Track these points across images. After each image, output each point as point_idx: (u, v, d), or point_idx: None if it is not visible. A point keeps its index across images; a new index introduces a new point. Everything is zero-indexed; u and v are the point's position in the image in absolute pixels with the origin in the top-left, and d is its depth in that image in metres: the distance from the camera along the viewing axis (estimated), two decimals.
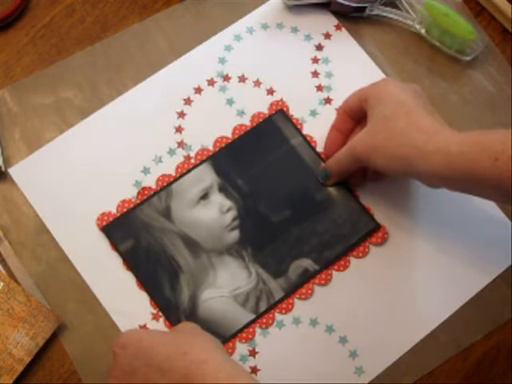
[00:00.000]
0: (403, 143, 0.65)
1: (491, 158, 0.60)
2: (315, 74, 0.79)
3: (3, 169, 0.73)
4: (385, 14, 0.80)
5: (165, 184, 0.73)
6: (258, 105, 0.77)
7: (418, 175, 0.66)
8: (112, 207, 0.72)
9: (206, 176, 0.74)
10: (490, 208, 0.74)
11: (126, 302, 0.70)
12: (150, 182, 0.73)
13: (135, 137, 0.75)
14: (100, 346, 0.69)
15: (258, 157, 0.75)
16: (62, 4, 0.80)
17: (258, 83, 0.78)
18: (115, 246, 0.71)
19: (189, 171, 0.74)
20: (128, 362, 0.60)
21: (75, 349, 0.69)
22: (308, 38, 0.80)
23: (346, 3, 0.79)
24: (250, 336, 0.70)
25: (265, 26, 0.80)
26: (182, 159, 0.74)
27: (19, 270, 0.70)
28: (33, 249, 0.71)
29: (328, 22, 0.80)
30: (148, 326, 0.69)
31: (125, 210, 0.72)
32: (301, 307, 0.71)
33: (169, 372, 0.58)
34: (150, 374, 0.59)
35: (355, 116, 0.72)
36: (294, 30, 0.80)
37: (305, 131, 0.76)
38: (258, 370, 0.69)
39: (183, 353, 0.59)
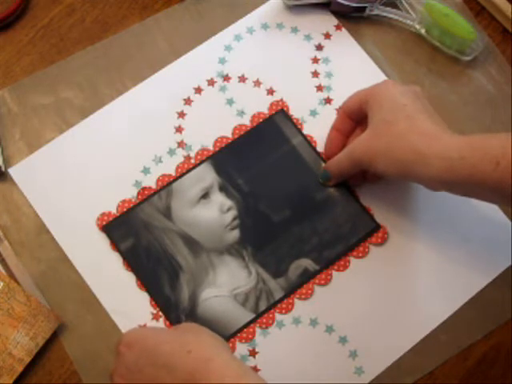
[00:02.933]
0: (404, 148, 0.64)
1: (492, 163, 0.60)
2: (315, 74, 0.79)
3: (3, 169, 0.73)
4: (385, 14, 0.80)
5: (165, 184, 0.73)
6: (258, 105, 0.77)
7: (419, 179, 0.66)
8: (112, 207, 0.72)
9: (206, 175, 0.74)
10: (490, 208, 0.74)
11: (125, 301, 0.70)
12: (150, 182, 0.73)
13: (135, 137, 0.75)
14: (100, 346, 0.69)
15: (258, 156, 0.75)
16: (62, 4, 0.80)
17: (257, 83, 0.78)
18: (115, 244, 0.71)
19: (189, 171, 0.74)
20: (134, 360, 0.60)
21: (75, 349, 0.69)
22: (308, 38, 0.80)
23: (346, 3, 0.79)
24: (250, 336, 0.70)
25: (265, 26, 0.80)
26: (181, 159, 0.74)
27: (19, 270, 0.70)
28: (33, 249, 0.71)
29: (328, 22, 0.80)
30: (148, 325, 0.69)
31: (125, 209, 0.72)
32: (301, 307, 0.71)
33: (174, 370, 0.58)
34: (156, 372, 0.59)
35: (355, 117, 0.72)
36: (294, 30, 0.80)
37: (305, 131, 0.76)
38: (258, 370, 0.69)
39: (187, 351, 0.59)
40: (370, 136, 0.67)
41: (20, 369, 0.66)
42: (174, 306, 0.70)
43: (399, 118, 0.66)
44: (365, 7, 0.79)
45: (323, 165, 0.74)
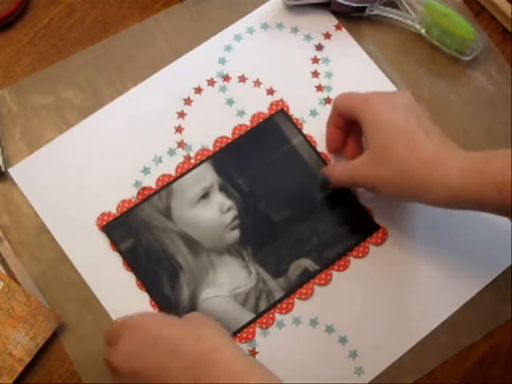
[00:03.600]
0: (405, 176, 0.64)
1: (494, 189, 0.60)
2: (315, 74, 0.79)
3: (3, 169, 0.73)
4: (385, 14, 0.80)
5: (165, 184, 0.73)
6: (258, 105, 0.77)
7: (422, 203, 0.66)
8: (112, 207, 0.72)
9: (206, 175, 0.74)
10: None
11: (125, 301, 0.70)
12: (150, 182, 0.73)
13: (135, 137, 0.75)
14: (100, 346, 0.69)
15: (258, 156, 0.75)
16: (62, 4, 0.80)
17: (257, 83, 0.78)
18: (115, 244, 0.71)
19: (189, 171, 0.74)
20: (137, 346, 0.60)
21: (75, 349, 0.69)
22: (308, 37, 0.80)
23: (346, 3, 0.79)
24: (250, 336, 0.70)
25: (265, 26, 0.80)
26: (181, 159, 0.74)
27: (19, 270, 0.70)
28: (33, 249, 0.71)
29: (328, 21, 0.80)
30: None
31: (125, 209, 0.72)
32: (301, 307, 0.71)
33: (180, 357, 0.58)
34: (159, 358, 0.59)
35: (347, 121, 0.72)
36: (294, 30, 0.80)
37: (305, 131, 0.76)
38: None
39: (196, 339, 0.59)
40: (370, 161, 0.67)
41: (20, 369, 0.66)
42: (173, 306, 0.70)
43: (397, 143, 0.65)
44: (365, 7, 0.79)
45: (323, 168, 0.73)
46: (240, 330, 0.70)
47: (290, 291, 0.71)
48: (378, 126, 0.66)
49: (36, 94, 0.76)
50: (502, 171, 0.60)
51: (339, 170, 0.70)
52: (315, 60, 0.79)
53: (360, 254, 0.72)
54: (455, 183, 0.61)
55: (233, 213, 0.73)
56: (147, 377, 0.59)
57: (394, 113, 0.66)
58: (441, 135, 0.66)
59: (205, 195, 0.73)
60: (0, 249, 0.70)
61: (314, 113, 0.77)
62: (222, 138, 0.75)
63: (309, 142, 0.75)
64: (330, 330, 0.70)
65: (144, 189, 0.73)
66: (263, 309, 0.70)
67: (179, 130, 0.76)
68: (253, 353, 0.69)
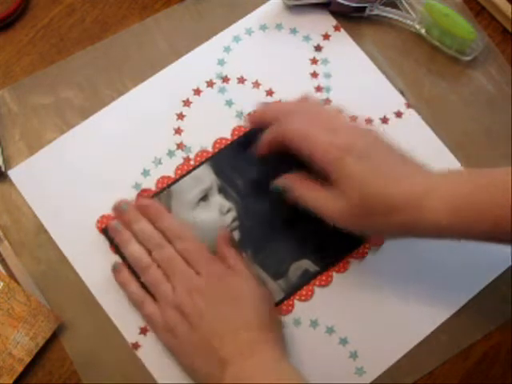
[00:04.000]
0: (391, 223, 0.62)
1: (488, 223, 0.59)
2: (314, 75, 0.78)
3: (3, 169, 0.73)
4: (385, 14, 0.80)
5: (164, 186, 0.73)
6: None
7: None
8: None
9: (205, 177, 0.73)
10: None
11: (125, 302, 0.70)
12: (150, 183, 0.73)
13: (135, 138, 0.75)
14: (100, 346, 0.69)
15: (257, 157, 0.74)
16: (62, 4, 0.80)
17: (257, 84, 0.78)
18: (115, 247, 0.71)
19: (188, 173, 0.74)
20: None
21: (75, 349, 0.69)
22: (307, 38, 0.80)
23: (346, 3, 0.79)
24: None
25: (263, 27, 0.80)
26: (181, 161, 0.74)
27: (19, 270, 0.70)
28: (33, 249, 0.71)
29: (327, 22, 0.80)
30: (148, 326, 0.69)
31: None
32: (301, 308, 0.71)
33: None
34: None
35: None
36: (293, 30, 0.80)
37: None
38: None
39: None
40: (349, 213, 0.64)
41: (20, 369, 0.67)
42: None
43: (374, 193, 0.62)
44: (365, 7, 0.79)
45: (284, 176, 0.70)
46: None
47: (290, 292, 0.71)
48: (347, 179, 0.63)
49: (36, 94, 0.76)
50: (496, 205, 0.59)
51: (311, 197, 0.67)
52: (314, 61, 0.79)
53: (360, 256, 0.72)
54: (444, 223, 0.60)
55: (232, 214, 0.72)
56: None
57: (361, 163, 0.63)
58: (414, 166, 0.64)
59: (204, 197, 0.73)
60: (0, 249, 0.71)
61: None
62: (222, 139, 0.75)
63: None
64: (330, 331, 0.70)
65: (144, 191, 0.73)
66: None
67: (178, 131, 0.75)
68: None
